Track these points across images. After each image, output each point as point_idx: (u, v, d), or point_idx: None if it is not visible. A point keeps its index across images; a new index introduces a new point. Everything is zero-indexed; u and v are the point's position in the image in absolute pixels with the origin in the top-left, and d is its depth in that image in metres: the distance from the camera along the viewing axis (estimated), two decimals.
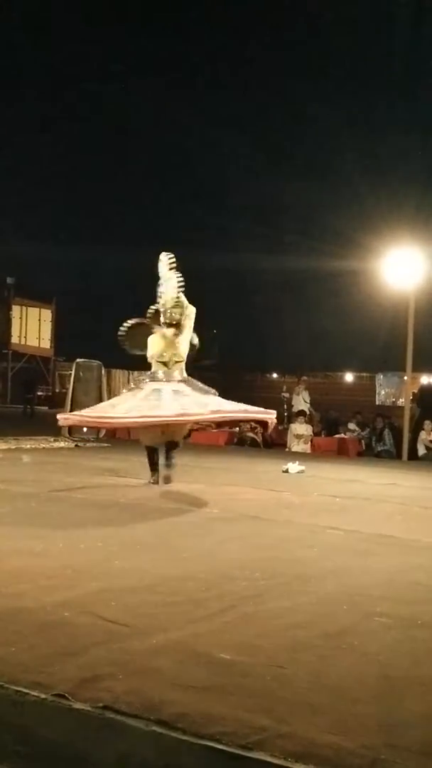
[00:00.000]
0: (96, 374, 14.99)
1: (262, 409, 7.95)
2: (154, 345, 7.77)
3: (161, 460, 7.86)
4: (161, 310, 7.83)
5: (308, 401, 18.48)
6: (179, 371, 7.68)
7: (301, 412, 16.84)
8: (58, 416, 8.25)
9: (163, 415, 7.17)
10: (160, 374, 7.60)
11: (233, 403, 7.66)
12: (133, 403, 7.31)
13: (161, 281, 7.93)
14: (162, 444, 7.87)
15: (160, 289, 7.93)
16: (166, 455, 7.87)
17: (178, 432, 7.95)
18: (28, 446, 12.11)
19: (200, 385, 7.68)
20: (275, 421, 8.40)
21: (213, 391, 7.67)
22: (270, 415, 7.87)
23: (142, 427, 7.75)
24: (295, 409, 17.96)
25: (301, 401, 18.22)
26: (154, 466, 7.93)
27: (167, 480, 7.78)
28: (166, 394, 7.34)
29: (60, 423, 8.23)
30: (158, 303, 7.92)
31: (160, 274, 7.93)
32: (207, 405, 7.37)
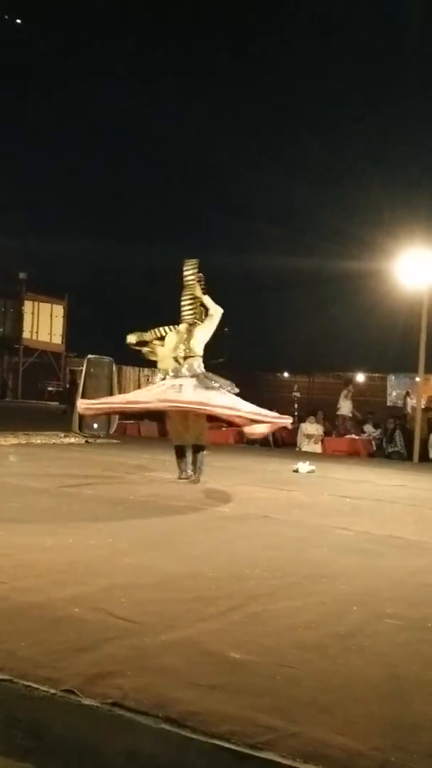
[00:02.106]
0: (107, 370, 15.00)
1: (278, 414, 7.90)
2: (169, 341, 7.88)
3: (189, 462, 8.07)
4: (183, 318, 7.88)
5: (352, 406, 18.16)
6: (194, 365, 7.66)
7: (312, 412, 16.82)
8: (79, 403, 8.30)
9: (186, 400, 7.22)
10: (183, 370, 7.62)
11: (252, 406, 7.65)
12: (155, 392, 7.42)
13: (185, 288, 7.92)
14: (189, 444, 8.05)
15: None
16: (193, 458, 8.05)
17: (202, 431, 8.02)
18: (39, 441, 12.14)
19: (217, 379, 7.65)
20: (289, 425, 8.47)
21: (229, 383, 7.66)
22: (286, 421, 7.90)
23: (165, 410, 7.80)
24: (341, 413, 17.61)
25: (348, 407, 17.90)
26: (182, 464, 8.01)
27: (195, 482, 7.91)
28: (187, 387, 7.38)
29: (81, 412, 8.25)
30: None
31: (184, 281, 7.92)
32: (226, 401, 7.40)
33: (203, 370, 7.64)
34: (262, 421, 7.57)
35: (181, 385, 7.37)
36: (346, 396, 18.38)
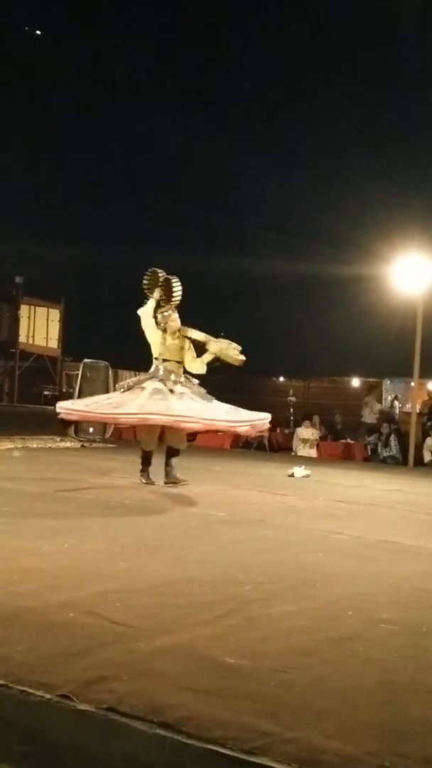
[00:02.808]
0: (103, 375, 15.00)
1: (255, 415, 7.80)
2: (158, 340, 7.78)
3: (165, 466, 8.03)
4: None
5: (376, 413, 17.70)
6: (179, 372, 7.70)
7: (306, 416, 16.81)
8: (58, 405, 7.99)
9: (166, 414, 7.13)
10: (161, 372, 7.60)
11: (231, 410, 7.58)
12: (137, 402, 7.28)
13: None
14: (157, 447, 8.01)
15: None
16: (166, 462, 8.01)
17: (177, 437, 7.97)
18: (35, 445, 12.13)
19: (199, 389, 7.67)
20: (268, 426, 8.36)
21: (210, 396, 7.64)
22: (263, 421, 7.80)
23: (142, 424, 7.63)
24: (365, 420, 17.22)
25: (372, 414, 17.55)
26: (147, 467, 8.02)
27: (176, 483, 7.87)
28: (170, 394, 7.33)
29: (60, 415, 7.98)
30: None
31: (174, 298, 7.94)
32: (205, 412, 7.33)
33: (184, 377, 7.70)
34: (240, 428, 7.59)
35: (162, 392, 7.31)
36: (367, 404, 18.08)
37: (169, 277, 8.00)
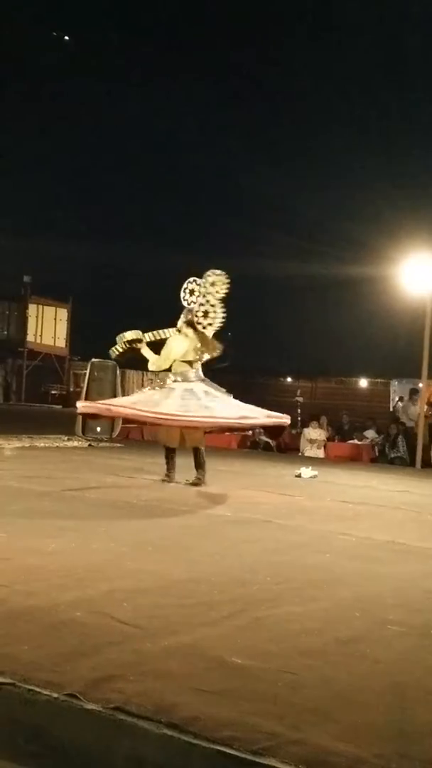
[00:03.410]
0: (111, 374, 14.99)
1: (276, 414, 7.94)
2: (180, 345, 7.81)
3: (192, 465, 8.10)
4: (192, 309, 7.88)
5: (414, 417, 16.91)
6: (200, 370, 7.78)
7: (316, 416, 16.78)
8: (79, 404, 8.18)
9: (190, 416, 7.20)
10: (191, 375, 7.65)
11: (252, 407, 7.70)
12: (164, 402, 7.33)
13: (203, 297, 7.93)
14: (182, 447, 8.07)
15: (198, 299, 7.94)
16: (195, 461, 8.09)
17: (198, 436, 8.05)
18: (42, 444, 12.14)
19: (217, 386, 7.76)
20: (287, 423, 8.45)
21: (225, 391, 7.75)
22: (284, 420, 7.93)
23: (174, 425, 7.68)
24: (407, 423, 16.69)
25: (409, 418, 17.00)
26: (171, 465, 8.06)
27: (198, 484, 7.96)
28: (199, 394, 7.40)
29: (80, 411, 8.14)
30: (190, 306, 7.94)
31: (207, 292, 7.94)
32: (235, 409, 7.43)
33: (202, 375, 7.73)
34: (262, 424, 7.64)
35: (192, 392, 7.37)
36: (404, 407, 17.77)
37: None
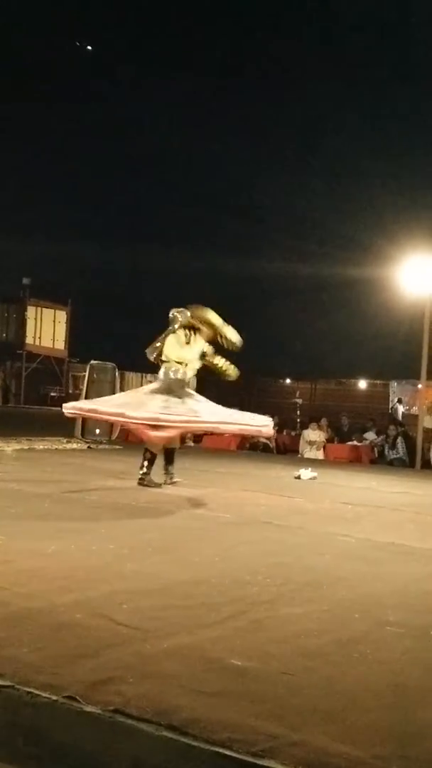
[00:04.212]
0: (110, 376, 15.01)
1: (258, 419, 7.84)
2: (174, 346, 7.81)
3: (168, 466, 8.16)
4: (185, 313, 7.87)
5: None
6: (185, 374, 7.76)
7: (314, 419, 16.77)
8: (65, 406, 8.01)
9: (173, 418, 7.17)
10: (171, 374, 7.63)
11: (232, 412, 7.71)
12: (150, 404, 7.30)
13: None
14: (162, 449, 8.06)
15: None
16: (168, 461, 8.15)
17: (177, 438, 8.17)
18: (41, 447, 12.14)
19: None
20: (272, 432, 8.43)
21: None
22: (266, 427, 7.84)
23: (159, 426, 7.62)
24: (427, 425, 16.45)
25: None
26: (150, 467, 8.01)
27: (173, 481, 8.03)
28: (180, 397, 7.37)
29: (66, 413, 8.00)
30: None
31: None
32: (216, 413, 7.41)
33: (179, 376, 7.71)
34: (241, 431, 7.63)
35: (173, 394, 7.36)
36: (430, 409, 17.57)
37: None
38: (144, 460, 7.92)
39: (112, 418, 8.01)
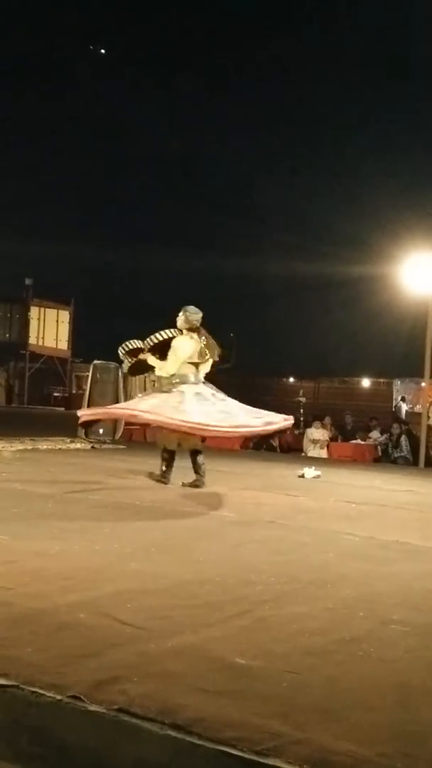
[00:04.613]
0: (113, 376, 15.01)
1: (280, 416, 7.89)
2: (186, 346, 7.75)
3: (193, 467, 8.06)
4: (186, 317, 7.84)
5: None
6: (198, 374, 7.75)
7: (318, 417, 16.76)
8: (80, 412, 8.07)
9: (196, 422, 7.09)
10: (192, 377, 7.61)
11: (256, 412, 7.65)
12: (168, 403, 7.23)
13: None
14: (179, 449, 8.03)
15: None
16: (194, 465, 8.01)
17: (196, 440, 8.01)
18: (45, 447, 12.14)
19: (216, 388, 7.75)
20: (290, 424, 8.42)
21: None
22: (288, 422, 7.88)
23: (190, 432, 7.43)
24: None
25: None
26: (169, 466, 8.07)
27: (198, 486, 7.90)
28: (209, 397, 7.38)
29: (82, 419, 8.02)
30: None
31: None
32: (253, 415, 7.42)
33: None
34: (267, 432, 7.59)
35: (202, 395, 7.33)
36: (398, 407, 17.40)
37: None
38: (162, 461, 8.00)
39: (153, 418, 7.78)
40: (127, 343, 8.02)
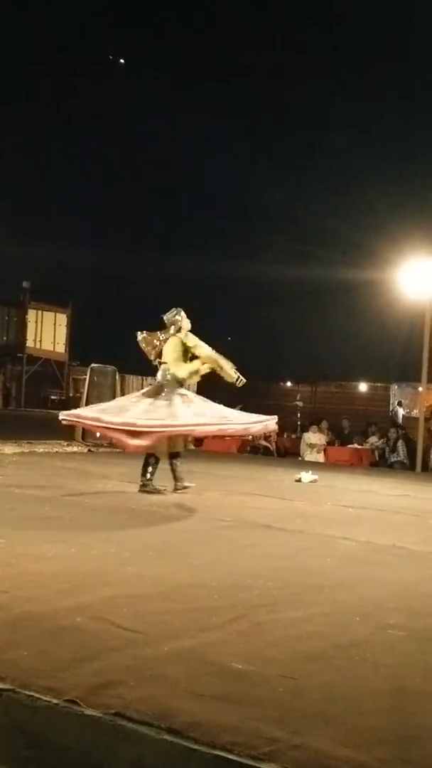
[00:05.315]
0: (110, 379, 15.02)
1: (261, 418, 7.88)
2: (177, 348, 7.74)
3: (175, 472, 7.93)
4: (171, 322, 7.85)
5: None
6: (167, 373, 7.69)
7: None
8: (61, 414, 7.94)
9: (174, 424, 7.10)
10: (166, 375, 7.58)
11: (231, 411, 7.69)
12: (135, 410, 7.20)
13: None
14: (163, 454, 7.82)
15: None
16: (173, 467, 7.85)
17: (180, 441, 7.97)
18: (42, 450, 12.14)
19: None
20: (276, 428, 8.40)
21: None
22: (270, 422, 7.85)
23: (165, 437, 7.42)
24: None
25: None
26: (153, 472, 7.86)
27: (183, 490, 7.78)
28: (168, 398, 7.35)
29: (63, 420, 7.91)
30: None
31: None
32: (203, 415, 7.36)
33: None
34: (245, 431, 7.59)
35: (170, 400, 7.30)
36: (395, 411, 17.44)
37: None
38: (146, 465, 7.76)
39: (90, 423, 7.75)
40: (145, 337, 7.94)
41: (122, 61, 33.47)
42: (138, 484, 7.73)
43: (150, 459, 7.83)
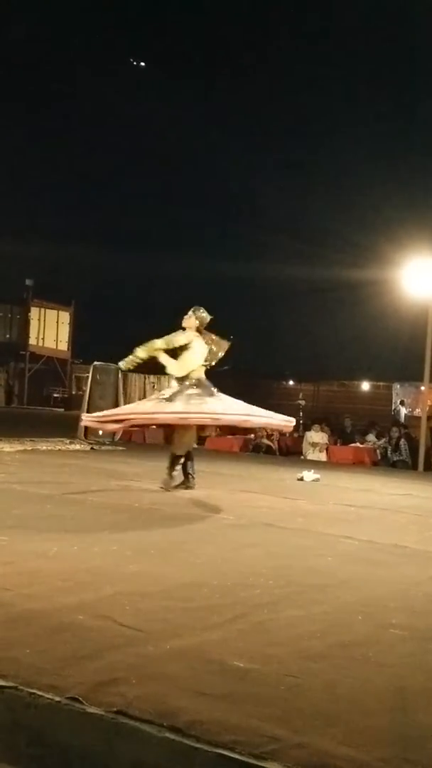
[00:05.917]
0: (113, 378, 15.02)
1: (282, 416, 7.93)
2: (201, 352, 7.74)
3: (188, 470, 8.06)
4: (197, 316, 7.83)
5: None
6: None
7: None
8: (84, 416, 8.09)
9: (211, 411, 7.20)
10: (196, 378, 7.61)
11: (253, 407, 7.72)
12: (175, 404, 7.29)
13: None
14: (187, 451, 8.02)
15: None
16: (188, 465, 8.04)
17: (193, 437, 8.03)
18: (44, 448, 12.14)
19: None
20: (291, 428, 8.44)
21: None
22: (290, 421, 7.91)
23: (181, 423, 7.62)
24: None
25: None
26: (179, 472, 8.03)
27: (192, 487, 7.91)
28: (212, 397, 7.41)
29: (85, 424, 8.03)
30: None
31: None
32: (241, 409, 7.45)
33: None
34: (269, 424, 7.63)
35: (206, 395, 7.36)
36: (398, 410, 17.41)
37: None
38: (172, 464, 7.95)
39: (128, 417, 7.84)
40: (141, 352, 7.92)
41: (143, 63, 33.45)
42: (157, 482, 7.93)
43: (175, 459, 7.91)
